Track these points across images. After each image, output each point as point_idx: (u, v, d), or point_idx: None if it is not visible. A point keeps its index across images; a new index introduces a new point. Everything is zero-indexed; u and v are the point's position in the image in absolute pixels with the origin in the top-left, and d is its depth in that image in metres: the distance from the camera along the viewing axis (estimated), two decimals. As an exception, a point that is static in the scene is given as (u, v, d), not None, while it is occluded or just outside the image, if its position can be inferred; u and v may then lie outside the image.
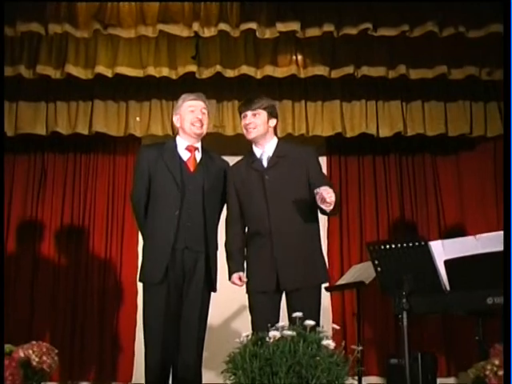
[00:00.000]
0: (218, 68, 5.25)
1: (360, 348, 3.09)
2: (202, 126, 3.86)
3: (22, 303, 5.78)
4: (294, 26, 4.84)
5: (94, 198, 6.16)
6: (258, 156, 3.85)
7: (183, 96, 3.97)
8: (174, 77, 5.32)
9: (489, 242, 3.44)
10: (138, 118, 5.72)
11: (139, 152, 4.08)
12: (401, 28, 4.84)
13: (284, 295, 3.78)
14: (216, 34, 4.91)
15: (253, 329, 3.64)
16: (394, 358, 4.69)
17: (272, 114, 3.89)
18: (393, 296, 3.32)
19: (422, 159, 6.35)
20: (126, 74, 5.29)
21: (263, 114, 3.85)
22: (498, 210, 5.91)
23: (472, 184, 6.17)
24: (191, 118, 3.86)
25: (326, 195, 3.47)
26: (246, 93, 5.57)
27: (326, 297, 5.35)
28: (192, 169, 3.83)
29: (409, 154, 6.37)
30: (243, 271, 3.82)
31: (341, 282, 5.32)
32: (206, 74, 5.31)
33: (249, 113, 3.85)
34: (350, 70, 5.30)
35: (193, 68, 5.24)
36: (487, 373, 2.76)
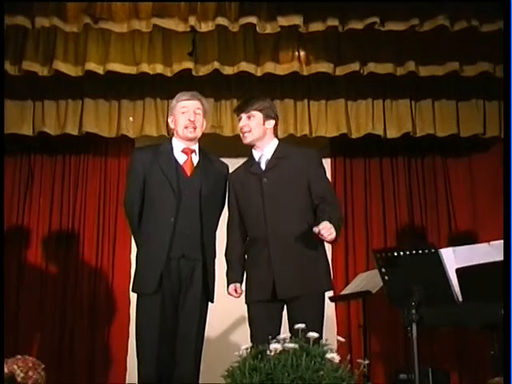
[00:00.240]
0: (216, 65, 5.25)
1: (366, 362, 3.07)
2: (195, 128, 3.83)
3: (6, 313, 5.76)
4: (297, 20, 4.84)
5: (84, 203, 6.15)
6: (257, 159, 3.86)
7: (177, 95, 3.96)
8: (169, 74, 5.31)
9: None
10: (130, 118, 5.72)
11: (133, 154, 4.06)
12: (410, 22, 4.84)
13: (285, 305, 3.76)
14: (214, 28, 4.91)
15: (252, 341, 3.60)
16: (403, 373, 4.66)
17: (268, 115, 3.89)
18: (401, 307, 3.31)
19: (432, 161, 6.34)
20: (118, 70, 5.28)
21: (258, 116, 3.85)
22: (513, 215, 5.91)
23: (485, 187, 6.14)
24: (183, 120, 3.84)
25: (326, 234, 3.50)
26: (246, 91, 5.57)
27: (330, 307, 5.34)
28: (189, 173, 3.82)
29: (418, 156, 6.35)
30: (240, 282, 3.82)
31: (346, 291, 5.31)
32: (203, 71, 5.30)
33: (243, 115, 3.87)
34: (355, 66, 5.30)
35: (189, 65, 5.24)
36: (502, 389, 2.75)
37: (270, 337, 2.92)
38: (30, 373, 3.15)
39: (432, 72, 5.35)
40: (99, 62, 5.21)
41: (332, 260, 5.89)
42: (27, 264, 5.93)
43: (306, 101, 5.77)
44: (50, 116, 5.64)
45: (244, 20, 4.85)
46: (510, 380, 2.63)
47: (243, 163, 3.99)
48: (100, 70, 5.23)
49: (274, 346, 2.84)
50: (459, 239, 5.89)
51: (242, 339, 3.73)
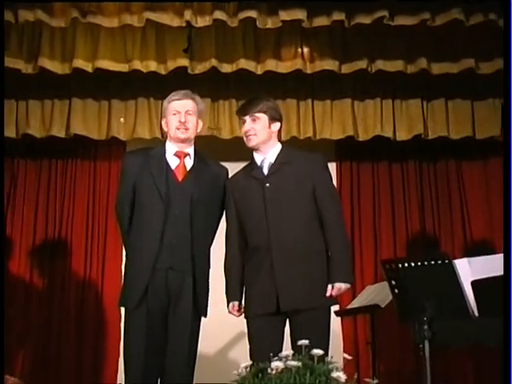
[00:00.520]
0: (214, 62, 5.26)
1: (375, 382, 3.07)
2: (186, 129, 3.82)
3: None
4: (300, 14, 4.85)
5: (71, 210, 6.16)
6: (259, 163, 3.85)
7: (169, 96, 3.95)
8: (163, 72, 5.32)
9: (523, 260, 3.42)
10: (122, 119, 5.73)
11: (124, 158, 4.05)
12: (421, 16, 4.85)
13: (288, 320, 3.75)
14: (211, 23, 4.92)
15: (252, 359, 3.58)
16: (414, 394, 4.66)
17: (274, 117, 3.89)
18: (412, 322, 3.30)
19: (445, 165, 6.34)
20: (109, 68, 5.29)
21: (263, 118, 3.84)
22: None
23: (502, 193, 6.14)
24: (174, 122, 3.83)
25: (336, 294, 3.69)
26: (245, 90, 5.58)
27: (335, 322, 5.33)
28: (180, 178, 3.80)
29: (430, 160, 6.36)
30: (240, 300, 3.82)
31: (353, 305, 5.30)
32: (200, 68, 5.31)
33: (247, 118, 3.86)
34: (362, 64, 5.31)
35: (184, 62, 5.25)
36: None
37: (271, 354, 2.92)
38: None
39: (445, 69, 5.35)
40: (88, 58, 5.21)
41: (338, 271, 5.89)
42: (10, 276, 5.91)
43: (309, 101, 5.78)
44: (35, 117, 5.64)
45: (243, 14, 4.86)
46: (510, 376, 2.62)
47: (243, 168, 3.98)
48: (89, 68, 5.23)
49: (276, 364, 2.83)
50: (475, 249, 5.89)
51: (242, 356, 3.71)
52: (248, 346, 3.75)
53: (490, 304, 3.28)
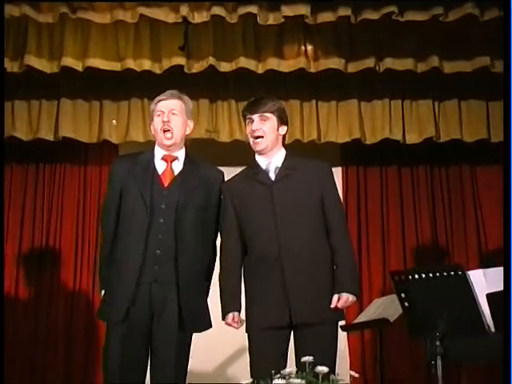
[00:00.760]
0: (211, 61, 5.26)
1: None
2: (170, 131, 3.79)
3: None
4: (303, 9, 4.85)
5: (60, 217, 6.16)
6: (264, 167, 3.83)
7: (156, 99, 3.94)
8: (157, 71, 5.32)
9: (542, 272, 3.42)
10: (114, 121, 5.73)
11: (111, 165, 4.04)
12: (432, 11, 4.85)
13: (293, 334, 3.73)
14: (208, 19, 4.92)
15: (253, 376, 3.57)
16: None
17: (282, 119, 3.88)
18: (424, 338, 3.29)
19: (458, 170, 6.35)
20: (100, 67, 5.29)
21: (273, 119, 3.83)
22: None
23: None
24: (159, 122, 3.82)
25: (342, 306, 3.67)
26: (245, 91, 5.58)
27: (341, 337, 5.30)
28: (166, 183, 3.77)
29: (442, 165, 6.37)
30: (239, 311, 3.79)
31: (360, 319, 5.28)
32: (197, 67, 5.32)
33: (255, 117, 3.82)
34: (370, 62, 5.32)
35: (180, 61, 5.25)
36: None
37: (273, 371, 2.90)
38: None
39: (458, 68, 5.35)
40: (78, 57, 5.22)
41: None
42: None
43: (313, 102, 5.79)
44: (21, 119, 5.65)
45: (243, 10, 4.86)
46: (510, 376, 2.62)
47: (242, 171, 3.95)
48: (78, 67, 5.23)
49: (278, 382, 2.82)
50: (490, 259, 5.88)
51: (241, 373, 3.70)
52: (248, 363, 3.72)
53: (506, 319, 3.27)
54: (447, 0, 4.83)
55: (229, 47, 5.31)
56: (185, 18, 4.87)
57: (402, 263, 6.12)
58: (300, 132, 5.71)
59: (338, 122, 5.77)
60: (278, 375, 2.88)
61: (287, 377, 2.86)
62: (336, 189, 3.91)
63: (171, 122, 3.79)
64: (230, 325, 3.78)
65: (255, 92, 5.40)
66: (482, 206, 6.22)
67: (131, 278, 3.63)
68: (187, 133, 3.90)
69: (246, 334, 3.77)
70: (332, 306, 3.63)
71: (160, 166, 3.81)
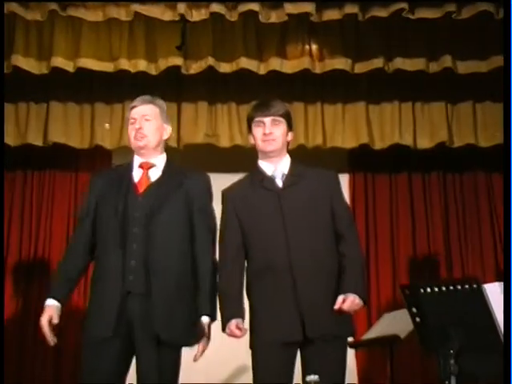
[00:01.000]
0: (210, 61, 5.27)
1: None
2: (143, 137, 3.82)
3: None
4: (308, 7, 4.85)
5: (49, 227, 6.15)
6: (269, 173, 3.84)
7: (130, 106, 3.98)
8: (153, 72, 5.33)
9: None
10: (107, 125, 5.74)
11: (90, 178, 4.09)
12: (445, 8, 4.85)
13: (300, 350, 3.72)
14: (207, 17, 4.93)
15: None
16: None
17: (290, 125, 3.90)
18: (437, 355, 3.27)
19: (472, 177, 6.36)
20: (92, 68, 5.30)
21: (283, 123, 3.85)
22: None
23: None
24: (131, 130, 3.86)
25: (348, 309, 3.60)
26: (246, 93, 5.59)
27: (350, 355, 5.29)
28: (141, 191, 3.80)
29: (456, 171, 6.37)
30: (243, 318, 3.76)
31: (369, 335, 5.28)
32: (195, 68, 5.33)
33: (267, 120, 3.82)
34: (379, 62, 5.32)
35: (178, 61, 5.26)
36: None
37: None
38: None
39: (472, 68, 5.36)
40: (68, 57, 5.23)
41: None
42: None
43: (318, 104, 5.80)
44: (9, 123, 5.64)
45: (244, 7, 4.86)
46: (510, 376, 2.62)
47: (245, 177, 3.97)
48: (69, 67, 5.24)
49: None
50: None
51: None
52: (252, 381, 3.72)
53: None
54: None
55: (229, 47, 5.32)
56: (182, 16, 4.87)
57: (413, 275, 6.11)
58: (304, 137, 5.71)
59: (345, 126, 5.78)
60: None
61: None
62: (344, 197, 3.94)
63: (144, 129, 3.82)
64: (232, 334, 3.70)
65: (257, 94, 5.44)
66: (497, 215, 6.21)
67: (108, 291, 3.65)
68: (165, 137, 3.93)
69: (250, 351, 3.74)
70: (336, 307, 3.57)
71: (137, 174, 3.85)
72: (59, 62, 5.20)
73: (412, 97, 5.79)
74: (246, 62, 5.29)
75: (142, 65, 5.30)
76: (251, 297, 3.79)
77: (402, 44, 5.34)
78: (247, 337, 3.71)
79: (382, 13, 4.88)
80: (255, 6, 4.83)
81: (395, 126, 5.76)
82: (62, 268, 3.87)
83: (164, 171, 3.86)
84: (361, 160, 6.31)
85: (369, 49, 5.34)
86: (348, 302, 3.57)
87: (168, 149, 5.67)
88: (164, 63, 5.27)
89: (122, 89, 5.73)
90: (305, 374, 3.57)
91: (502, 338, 3.29)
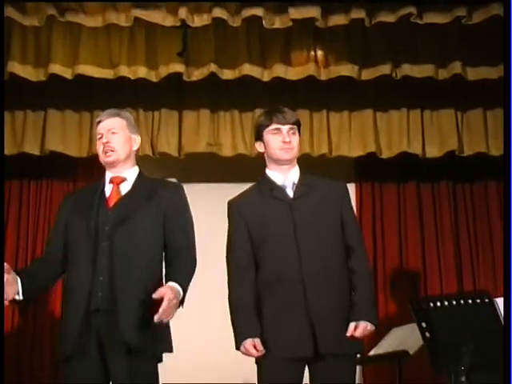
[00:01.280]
0: (213, 68, 5.27)
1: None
2: (112, 151, 3.85)
3: None
4: (313, 12, 4.85)
5: (46, 237, 6.11)
6: (280, 183, 3.84)
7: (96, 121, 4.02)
8: (154, 79, 5.34)
9: None
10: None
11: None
12: (454, 13, 4.85)
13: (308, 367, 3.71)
14: (209, 22, 4.93)
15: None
16: None
17: (300, 134, 3.93)
18: (448, 372, 3.26)
19: (483, 187, 6.35)
20: (91, 74, 5.31)
21: (297, 132, 3.87)
22: None
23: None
24: (99, 146, 3.90)
25: (361, 336, 3.59)
26: (250, 100, 5.60)
27: (357, 371, 5.29)
28: (112, 204, 3.82)
29: (466, 180, 6.37)
30: (259, 336, 3.72)
31: (377, 350, 5.27)
32: (197, 75, 5.33)
33: (285, 128, 3.82)
34: (386, 69, 5.32)
35: (179, 68, 5.27)
36: None
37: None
38: None
39: (483, 75, 5.36)
40: (66, 63, 5.24)
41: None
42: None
43: (324, 112, 5.80)
44: (5, 131, 5.63)
45: (247, 12, 4.87)
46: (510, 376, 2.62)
47: (252, 187, 3.96)
48: (67, 74, 5.25)
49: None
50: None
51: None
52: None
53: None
54: (471, 1, 4.82)
55: (231, 53, 5.33)
56: (183, 22, 4.87)
57: (422, 288, 6.11)
58: (309, 145, 5.71)
59: (351, 135, 5.78)
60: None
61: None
62: (353, 209, 3.96)
63: (111, 143, 3.85)
64: (248, 353, 3.68)
65: (260, 102, 5.45)
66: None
67: (76, 309, 3.66)
68: (134, 148, 3.95)
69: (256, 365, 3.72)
70: (348, 334, 3.57)
71: (108, 189, 3.88)
72: (57, 68, 5.21)
73: (420, 104, 5.79)
74: (249, 69, 5.29)
75: (142, 71, 5.30)
76: (260, 309, 3.76)
77: (410, 50, 5.34)
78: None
79: (389, 18, 4.88)
80: (259, 11, 4.84)
81: (403, 134, 5.76)
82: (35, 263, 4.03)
83: (134, 184, 3.89)
84: (368, 169, 6.30)
85: (376, 55, 5.35)
86: (360, 329, 3.57)
87: (169, 158, 5.72)
88: (165, 70, 5.28)
89: (122, 96, 5.74)
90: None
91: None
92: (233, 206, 3.89)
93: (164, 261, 3.81)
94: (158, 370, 3.71)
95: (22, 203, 6.21)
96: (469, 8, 4.83)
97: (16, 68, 5.19)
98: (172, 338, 3.75)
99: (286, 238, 3.71)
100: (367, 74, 5.37)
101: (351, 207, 3.92)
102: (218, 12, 4.84)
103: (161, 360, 3.74)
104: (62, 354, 3.70)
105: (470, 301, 3.30)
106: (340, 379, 3.56)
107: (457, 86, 5.62)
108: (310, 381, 3.67)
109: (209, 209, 5.66)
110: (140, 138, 3.99)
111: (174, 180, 5.92)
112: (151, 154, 5.67)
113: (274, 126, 3.81)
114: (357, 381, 5.41)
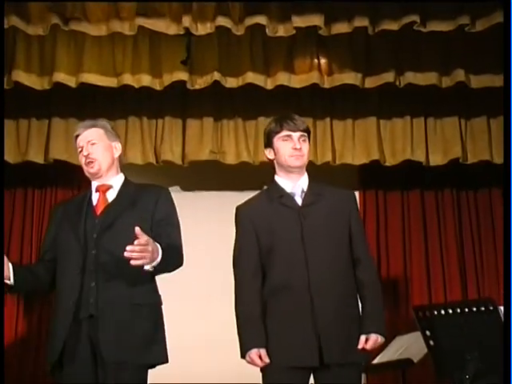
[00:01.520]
0: (216, 76, 5.28)
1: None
2: (94, 162, 3.89)
3: None
4: (316, 20, 4.85)
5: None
6: (288, 190, 3.84)
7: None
8: (158, 87, 5.35)
9: None
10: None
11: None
12: (458, 21, 4.85)
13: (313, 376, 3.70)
14: (213, 30, 4.94)
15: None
16: None
17: (309, 141, 3.94)
18: (452, 380, 3.26)
19: (488, 195, 6.34)
20: (95, 83, 5.33)
21: (307, 139, 3.88)
22: None
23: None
24: (81, 159, 3.94)
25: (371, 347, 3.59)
26: (253, 108, 5.59)
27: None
28: (99, 212, 3.86)
29: (470, 188, 6.36)
30: (264, 347, 3.72)
31: (381, 359, 5.25)
32: (201, 83, 5.34)
33: (296, 135, 3.83)
34: (389, 77, 5.33)
35: (183, 76, 5.28)
36: None
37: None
38: None
39: (486, 83, 5.36)
40: (70, 72, 5.25)
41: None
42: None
43: (327, 120, 5.81)
44: (9, 139, 5.67)
45: (251, 20, 4.87)
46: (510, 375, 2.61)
47: (260, 194, 3.98)
48: (72, 83, 5.26)
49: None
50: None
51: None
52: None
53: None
54: (474, 8, 4.83)
55: (235, 61, 5.33)
56: (187, 30, 4.88)
57: (427, 296, 6.09)
58: (313, 153, 5.69)
59: (355, 142, 5.78)
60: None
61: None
62: (360, 218, 3.98)
63: (92, 154, 3.90)
64: (252, 362, 3.67)
65: (264, 110, 5.46)
66: (514, 234, 6.20)
67: (67, 315, 3.67)
68: (116, 155, 3.98)
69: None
70: (359, 346, 3.58)
71: (95, 198, 3.92)
72: (61, 77, 5.22)
73: (424, 112, 5.80)
74: (252, 77, 5.30)
75: (146, 80, 5.31)
76: (266, 316, 3.74)
77: (413, 58, 5.34)
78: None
79: (392, 26, 4.88)
80: (262, 19, 4.84)
81: (407, 142, 5.76)
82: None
83: (120, 190, 3.93)
84: (372, 177, 6.30)
85: (379, 63, 5.35)
86: (371, 342, 3.57)
87: (173, 166, 5.71)
88: (169, 78, 5.29)
89: (126, 104, 5.76)
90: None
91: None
92: (241, 211, 3.88)
93: None
94: (146, 377, 3.72)
95: (26, 211, 6.21)
96: (472, 16, 4.82)
97: (20, 77, 5.21)
98: (167, 348, 3.75)
99: (293, 246, 3.70)
100: (371, 82, 5.37)
101: (359, 217, 3.93)
102: (222, 20, 4.84)
103: (152, 367, 3.75)
104: (49, 360, 3.71)
105: (475, 308, 3.29)
106: None
107: (460, 94, 5.62)
108: None
109: (212, 216, 5.67)
110: (121, 145, 4.03)
111: (177, 188, 5.98)
112: (155, 163, 5.67)
113: (284, 132, 3.82)
114: (361, 389, 5.44)
